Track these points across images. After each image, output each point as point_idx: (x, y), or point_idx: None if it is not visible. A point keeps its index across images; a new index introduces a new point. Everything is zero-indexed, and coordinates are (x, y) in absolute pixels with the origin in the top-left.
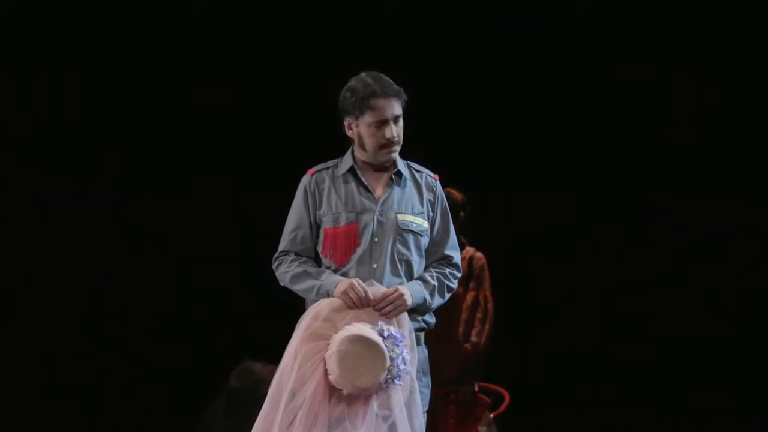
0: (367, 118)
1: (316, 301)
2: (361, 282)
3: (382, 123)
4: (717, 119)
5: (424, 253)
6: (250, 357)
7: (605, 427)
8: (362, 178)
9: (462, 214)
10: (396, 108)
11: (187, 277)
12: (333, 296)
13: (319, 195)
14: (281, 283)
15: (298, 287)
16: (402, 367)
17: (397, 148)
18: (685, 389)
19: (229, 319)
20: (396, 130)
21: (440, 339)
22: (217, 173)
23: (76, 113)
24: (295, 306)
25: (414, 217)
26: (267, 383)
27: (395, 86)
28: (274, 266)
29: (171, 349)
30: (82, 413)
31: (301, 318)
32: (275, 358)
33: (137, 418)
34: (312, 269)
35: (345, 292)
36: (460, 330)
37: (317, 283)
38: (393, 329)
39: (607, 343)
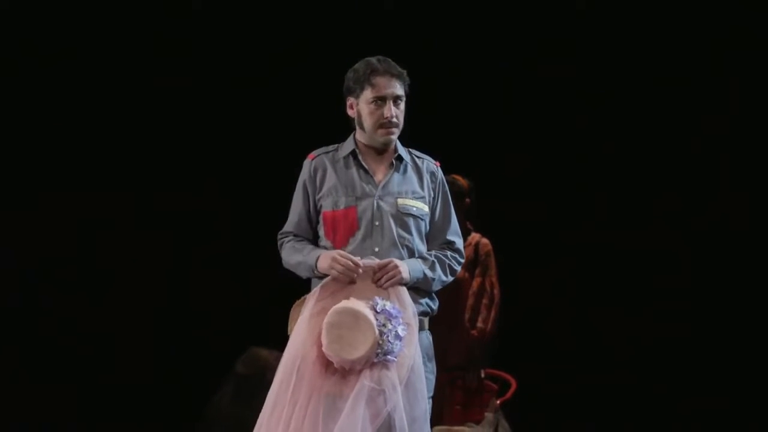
0: (367, 94)
1: (309, 278)
2: (343, 252)
3: (381, 100)
4: (717, 118)
5: (425, 238)
6: (256, 343)
7: (610, 417)
8: (363, 162)
9: (467, 200)
10: (397, 88)
11: (190, 265)
12: (318, 271)
13: (321, 179)
14: (284, 266)
15: (293, 266)
16: (394, 342)
17: (396, 130)
18: (685, 389)
19: (235, 306)
20: (395, 111)
21: (447, 325)
22: (219, 170)
23: (79, 110)
24: (299, 290)
25: (414, 201)
26: (274, 369)
27: (399, 68)
28: (278, 245)
29: (177, 334)
30: (85, 405)
31: (306, 297)
32: (281, 345)
33: (144, 403)
34: (300, 245)
35: (331, 267)
36: (467, 316)
37: (301, 258)
38: (389, 305)
39: (614, 331)
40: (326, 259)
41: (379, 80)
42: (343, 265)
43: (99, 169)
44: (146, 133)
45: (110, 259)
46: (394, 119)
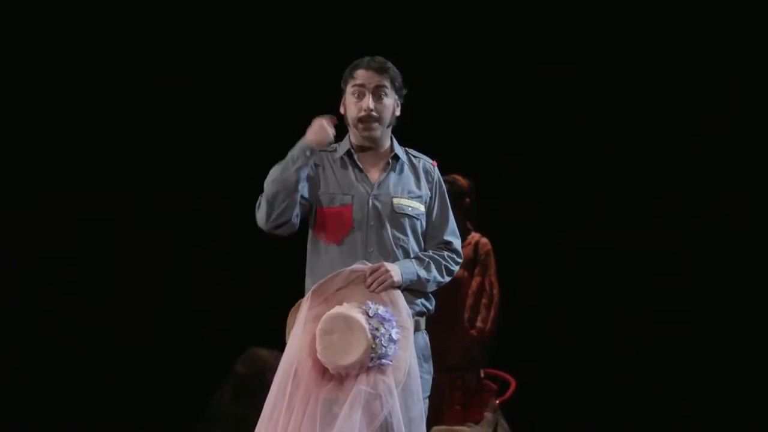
0: (349, 88)
1: (298, 173)
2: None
3: (361, 91)
4: (717, 118)
5: (421, 238)
6: (256, 343)
7: (610, 417)
8: (358, 162)
9: (467, 200)
10: (378, 80)
11: (190, 265)
12: (306, 147)
13: (320, 173)
14: (261, 223)
15: (276, 180)
16: (388, 345)
17: (377, 125)
18: (685, 389)
19: (235, 306)
20: (375, 104)
21: (446, 325)
22: (219, 170)
23: (78, 109)
24: (298, 291)
25: (410, 201)
26: (273, 369)
27: (386, 64)
28: (257, 205)
29: (177, 334)
30: (85, 405)
31: (301, 301)
32: (280, 345)
33: (144, 403)
34: None
35: (313, 131)
36: (466, 316)
37: (285, 162)
38: (382, 309)
39: (614, 331)
40: (309, 131)
41: (360, 72)
42: (320, 123)
43: (99, 169)
44: (146, 133)
45: (110, 259)
46: (374, 113)
